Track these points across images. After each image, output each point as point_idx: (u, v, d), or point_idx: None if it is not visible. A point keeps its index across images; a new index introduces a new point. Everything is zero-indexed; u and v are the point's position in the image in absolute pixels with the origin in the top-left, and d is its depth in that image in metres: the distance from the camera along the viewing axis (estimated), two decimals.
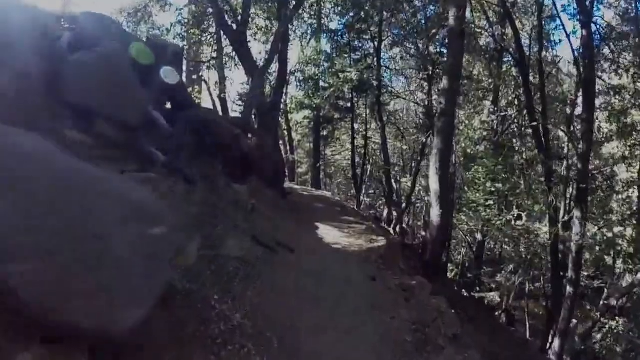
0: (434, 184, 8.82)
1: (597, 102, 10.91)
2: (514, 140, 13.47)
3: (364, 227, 8.00)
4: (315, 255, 5.69)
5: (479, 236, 12.78)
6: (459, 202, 11.80)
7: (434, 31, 12.88)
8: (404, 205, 13.78)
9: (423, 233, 13.25)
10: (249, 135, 7.83)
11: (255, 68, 8.91)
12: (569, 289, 9.27)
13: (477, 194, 10.08)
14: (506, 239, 12.90)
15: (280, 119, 17.81)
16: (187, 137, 5.40)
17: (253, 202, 6.30)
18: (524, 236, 11.00)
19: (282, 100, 13.54)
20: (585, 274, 12.84)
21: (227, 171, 6.31)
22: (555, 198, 10.69)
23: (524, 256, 11.45)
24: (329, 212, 9.30)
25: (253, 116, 9.43)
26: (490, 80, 13.89)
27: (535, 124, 10.81)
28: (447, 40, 10.29)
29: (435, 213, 8.79)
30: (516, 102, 13.77)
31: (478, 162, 10.37)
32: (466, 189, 11.54)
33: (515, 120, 13.39)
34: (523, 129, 13.30)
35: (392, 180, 14.28)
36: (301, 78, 13.81)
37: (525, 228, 11.35)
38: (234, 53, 10.59)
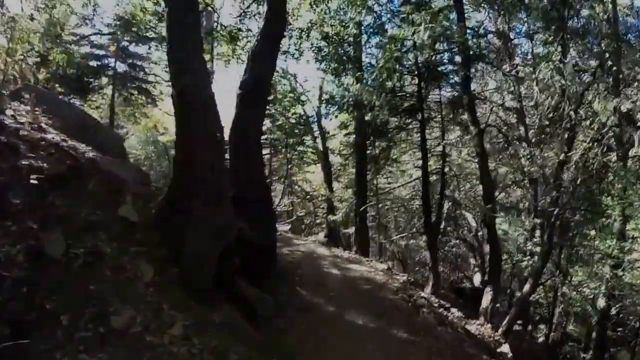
0: None
1: None
2: None
3: None
4: None
5: (601, 302, 8.00)
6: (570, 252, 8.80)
7: None
8: (523, 287, 7.20)
9: None
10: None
11: None
12: None
13: (608, 240, 6.72)
14: None
15: (312, 126, 12.35)
16: None
17: None
18: None
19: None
20: None
21: None
22: None
23: None
24: None
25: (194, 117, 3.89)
26: None
27: None
28: None
29: None
30: None
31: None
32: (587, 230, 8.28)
33: None
34: None
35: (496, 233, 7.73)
36: (321, 48, 7.69)
37: None
38: None
